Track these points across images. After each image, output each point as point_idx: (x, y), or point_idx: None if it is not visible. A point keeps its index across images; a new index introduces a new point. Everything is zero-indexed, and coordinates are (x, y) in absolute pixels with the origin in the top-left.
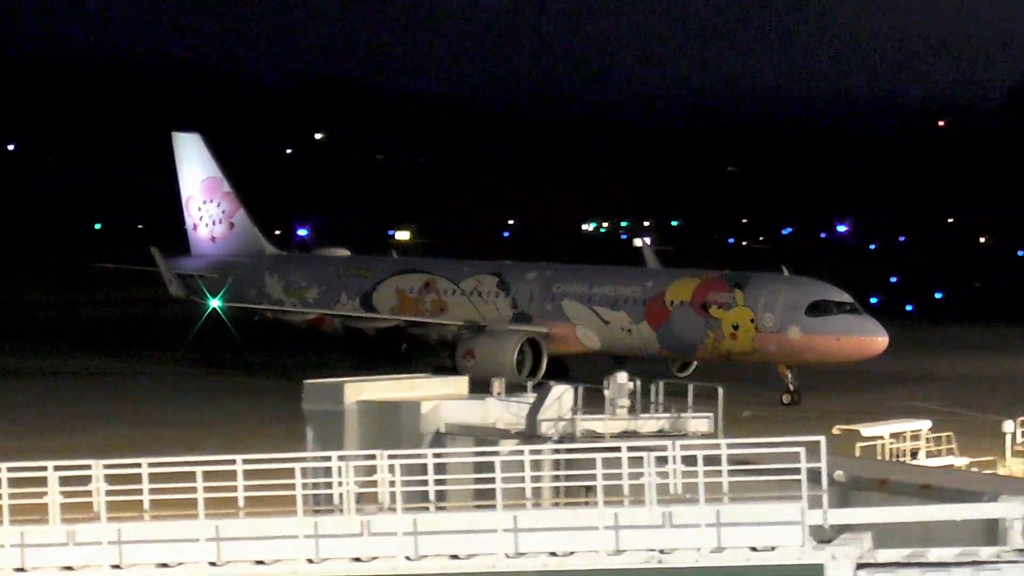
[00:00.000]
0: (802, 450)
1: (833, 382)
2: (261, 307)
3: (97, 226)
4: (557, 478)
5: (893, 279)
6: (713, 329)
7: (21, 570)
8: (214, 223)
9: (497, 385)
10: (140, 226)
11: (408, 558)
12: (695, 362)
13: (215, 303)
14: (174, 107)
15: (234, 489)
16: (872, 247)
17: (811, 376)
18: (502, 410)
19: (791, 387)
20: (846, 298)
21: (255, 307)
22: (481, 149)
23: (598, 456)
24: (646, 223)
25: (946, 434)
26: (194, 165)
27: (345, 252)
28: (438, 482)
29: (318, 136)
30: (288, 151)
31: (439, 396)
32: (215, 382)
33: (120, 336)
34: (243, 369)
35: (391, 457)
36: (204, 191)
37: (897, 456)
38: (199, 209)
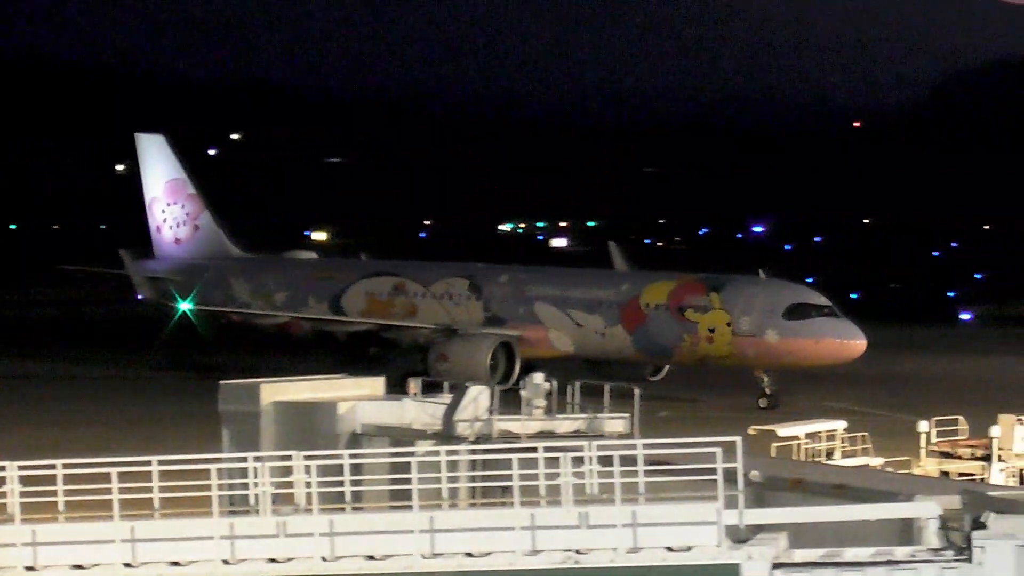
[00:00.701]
0: (718, 450)
1: (751, 382)
2: (232, 310)
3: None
4: (473, 479)
5: (809, 279)
6: (689, 333)
7: None
8: (178, 225)
9: (413, 385)
10: (103, 227)
11: (324, 559)
12: (667, 366)
13: (185, 306)
14: (96, 107)
15: (150, 490)
16: (788, 247)
17: (729, 376)
18: (418, 411)
19: (768, 391)
20: (824, 301)
21: (226, 311)
22: (398, 150)
23: (514, 457)
24: (563, 224)
25: (861, 434)
26: (158, 166)
27: (312, 255)
28: (354, 483)
29: (234, 136)
30: (211, 152)
31: (355, 397)
32: (176, 383)
33: (88, 338)
34: (213, 371)
35: (307, 458)
36: (168, 193)
37: (813, 456)
38: (163, 211)
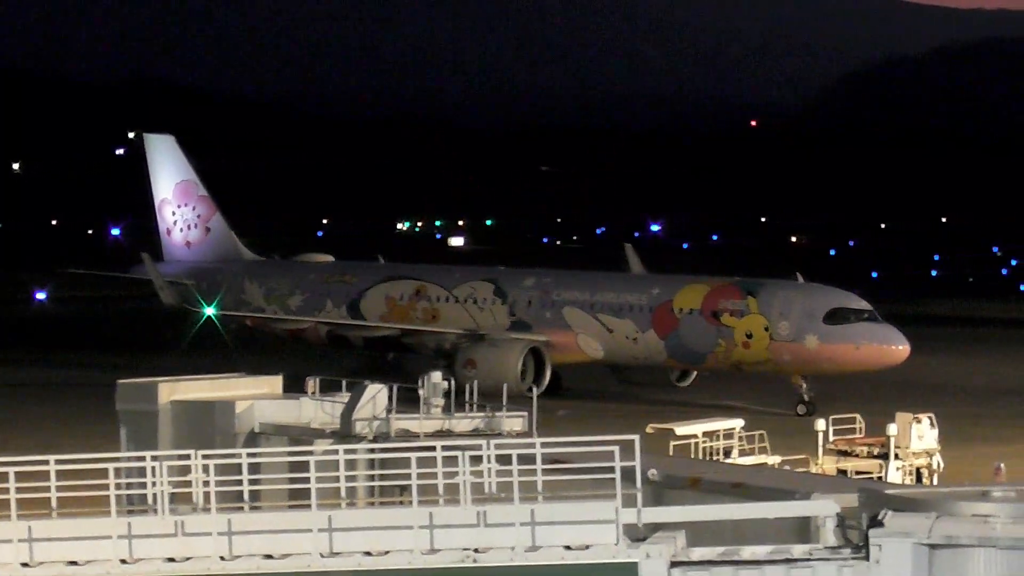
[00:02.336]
0: (616, 449)
1: (653, 381)
2: (257, 315)
3: None
4: (372, 477)
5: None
6: (725, 338)
7: None
8: (189, 228)
9: (311, 384)
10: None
11: (222, 558)
12: (695, 372)
13: (210, 311)
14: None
15: (47, 489)
16: (685, 246)
17: (627, 374)
18: (316, 409)
19: (806, 397)
20: (864, 305)
21: (251, 316)
22: (295, 150)
23: (413, 456)
24: (460, 222)
25: (759, 432)
26: (167, 168)
27: (328, 258)
28: (252, 482)
29: (131, 135)
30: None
31: (253, 396)
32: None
33: (99, 340)
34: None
35: (205, 457)
36: (178, 195)
37: (710, 455)
38: (173, 213)
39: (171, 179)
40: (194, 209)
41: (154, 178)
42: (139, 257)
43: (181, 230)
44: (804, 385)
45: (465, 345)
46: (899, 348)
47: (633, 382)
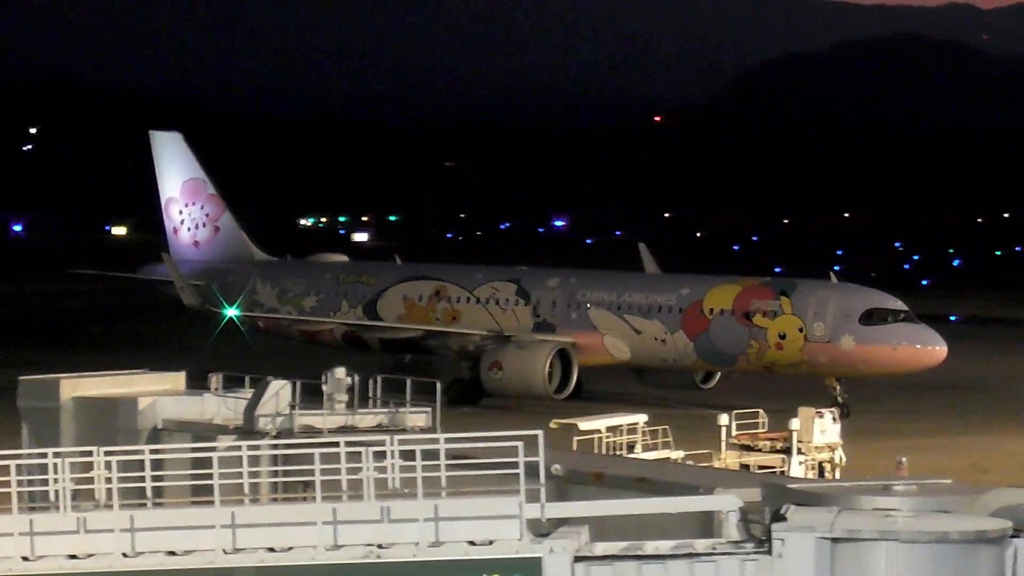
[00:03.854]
0: (520, 444)
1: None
2: (281, 317)
3: None
4: (275, 474)
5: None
6: (757, 339)
7: None
8: (197, 227)
9: (214, 380)
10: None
11: (125, 555)
12: (718, 374)
13: (232, 312)
14: None
15: None
16: (589, 241)
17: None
18: (220, 406)
19: (840, 399)
20: (901, 306)
21: (275, 317)
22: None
23: (316, 452)
24: (364, 218)
25: (662, 427)
26: (174, 165)
27: (343, 258)
28: (155, 478)
29: (32, 131)
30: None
31: (156, 392)
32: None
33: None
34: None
35: (108, 453)
36: (186, 193)
37: (614, 450)
38: (180, 212)
39: (178, 177)
40: (202, 208)
41: (160, 176)
42: (148, 258)
43: (189, 229)
44: (838, 387)
45: (491, 347)
46: (937, 349)
47: (654, 384)
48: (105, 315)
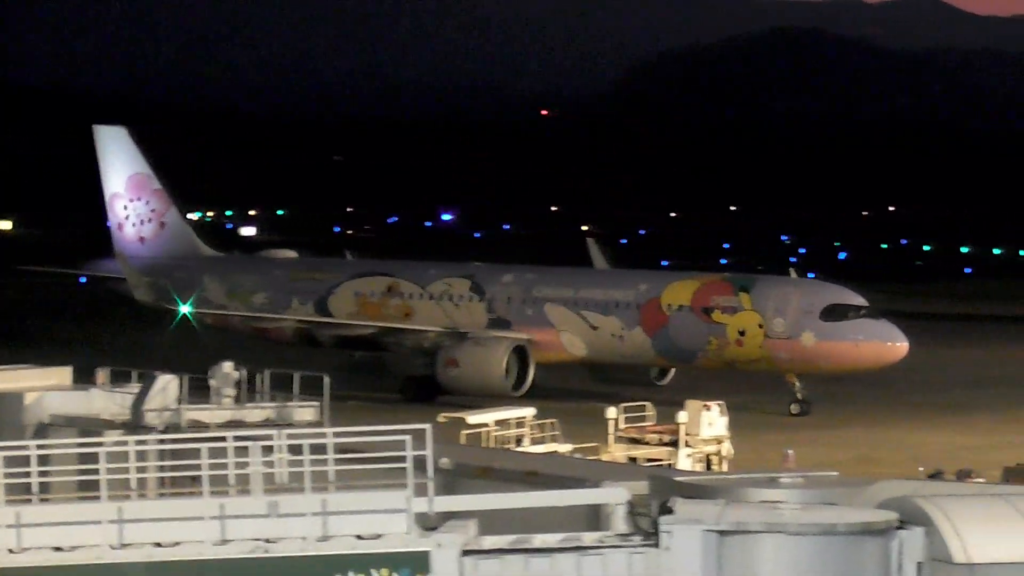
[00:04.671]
0: (408, 438)
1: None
2: (236, 314)
3: None
4: (163, 468)
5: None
6: (717, 335)
7: None
8: (142, 222)
9: (101, 375)
10: None
11: (11, 551)
12: (672, 370)
13: (185, 309)
14: None
15: None
16: (477, 235)
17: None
18: (107, 400)
19: (799, 396)
20: (862, 301)
21: (231, 314)
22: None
23: (203, 446)
24: (252, 212)
25: (550, 421)
26: (119, 160)
27: (292, 254)
28: (42, 474)
29: None
30: None
31: (42, 387)
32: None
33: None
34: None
35: None
36: (130, 188)
37: (502, 443)
38: (125, 208)
39: (123, 172)
40: (148, 203)
41: (104, 171)
42: (92, 254)
43: (134, 225)
44: (798, 384)
45: (447, 344)
46: (899, 345)
47: (608, 380)
48: (40, 311)
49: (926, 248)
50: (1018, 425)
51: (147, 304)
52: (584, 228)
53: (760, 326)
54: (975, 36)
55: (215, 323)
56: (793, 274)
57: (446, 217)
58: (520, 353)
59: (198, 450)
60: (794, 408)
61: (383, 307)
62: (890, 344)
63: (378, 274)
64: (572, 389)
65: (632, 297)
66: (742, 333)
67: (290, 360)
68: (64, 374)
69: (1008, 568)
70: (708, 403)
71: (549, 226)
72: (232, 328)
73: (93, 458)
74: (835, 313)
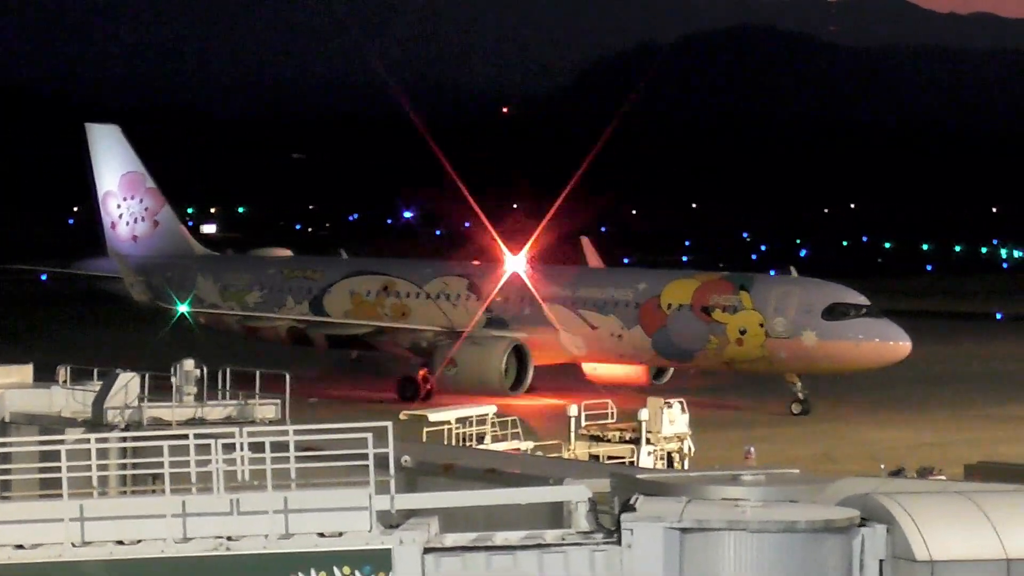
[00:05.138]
0: (369, 436)
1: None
2: (233, 313)
3: None
4: (124, 466)
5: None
6: (717, 334)
7: None
8: (136, 221)
9: (62, 373)
10: None
11: None
12: (672, 369)
13: (183, 308)
14: None
15: None
16: (438, 233)
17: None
18: (68, 398)
19: (800, 395)
20: (863, 300)
21: (227, 313)
22: (37, 137)
23: (165, 444)
24: (212, 209)
25: (511, 419)
26: (112, 159)
27: (287, 252)
28: (3, 472)
29: None
30: None
31: (2, 385)
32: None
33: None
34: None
35: None
36: (124, 187)
37: (464, 441)
38: (118, 206)
39: (116, 171)
40: (141, 202)
41: (97, 170)
42: (81, 253)
43: (127, 223)
44: (799, 383)
45: (445, 343)
46: (901, 344)
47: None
48: (20, 309)
49: (887, 245)
50: (979, 422)
51: (144, 304)
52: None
53: (761, 325)
54: (934, 33)
55: (209, 322)
56: (794, 273)
57: (407, 215)
58: (518, 353)
59: (159, 448)
60: (795, 408)
61: (378, 306)
62: (892, 343)
63: (373, 273)
64: (569, 388)
65: (631, 296)
66: (743, 332)
67: (283, 359)
68: (25, 372)
69: (969, 565)
70: (669, 400)
71: (511, 222)
72: (226, 327)
73: (54, 456)
74: (836, 312)
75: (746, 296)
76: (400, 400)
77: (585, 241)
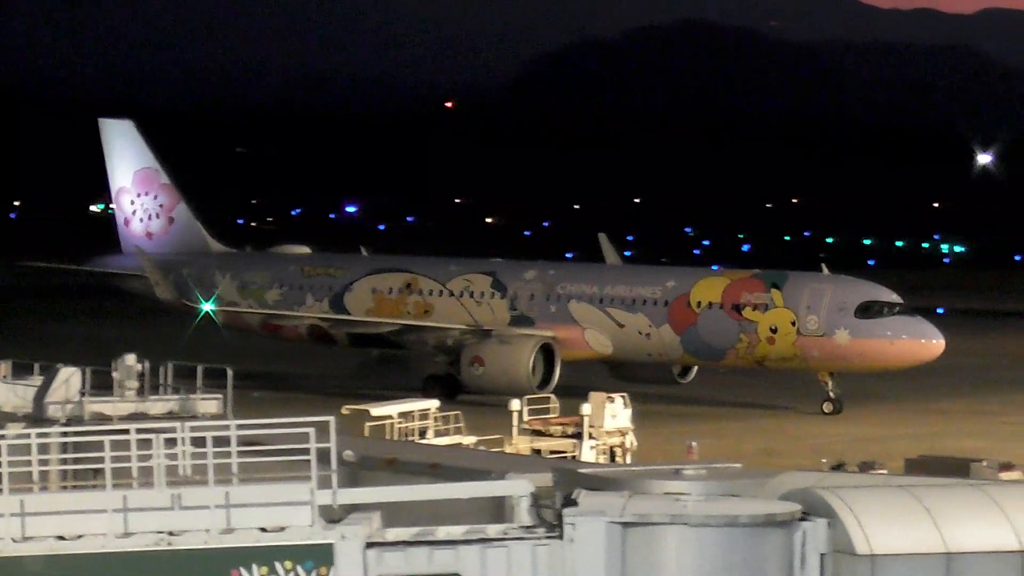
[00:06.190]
0: (311, 430)
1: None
2: (257, 311)
3: None
4: (65, 461)
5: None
6: (748, 333)
7: None
8: (150, 217)
9: (3, 368)
10: None
11: None
12: (695, 368)
13: (208, 306)
14: None
15: None
16: (381, 227)
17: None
18: (8, 393)
19: (832, 395)
20: (896, 298)
21: (252, 312)
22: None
23: (106, 439)
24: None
25: (454, 413)
26: (126, 154)
27: (305, 249)
28: None
29: None
30: None
31: None
32: None
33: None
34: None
35: None
36: (138, 183)
37: (406, 435)
38: (132, 203)
39: (130, 166)
40: (156, 198)
41: (110, 165)
42: (95, 250)
43: (141, 220)
44: (831, 382)
45: (471, 342)
46: (935, 342)
47: (628, 377)
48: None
49: (829, 240)
50: (920, 416)
51: (168, 302)
52: (488, 220)
53: (793, 323)
54: (877, 28)
55: (227, 321)
56: (825, 270)
57: (350, 209)
58: (546, 351)
59: (101, 443)
60: (827, 407)
61: (401, 304)
62: (925, 341)
63: (396, 270)
64: (592, 387)
65: (660, 294)
66: (774, 330)
67: (304, 357)
68: None
69: (909, 559)
70: (612, 395)
71: (454, 218)
72: (245, 326)
73: None
74: (870, 310)
75: (777, 294)
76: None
77: (603, 238)
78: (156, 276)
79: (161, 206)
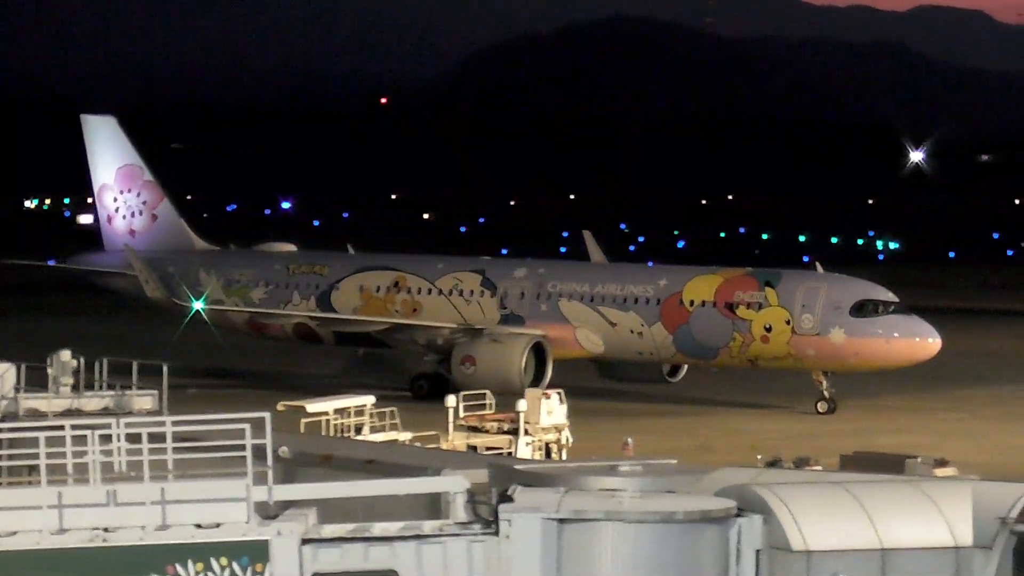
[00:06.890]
0: (247, 427)
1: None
2: (249, 310)
3: None
4: None
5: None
6: (741, 331)
7: None
8: (133, 215)
9: None
10: None
11: None
12: (685, 367)
13: (198, 305)
14: None
15: None
16: (316, 223)
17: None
18: None
19: (826, 394)
20: (892, 297)
21: (244, 311)
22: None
23: (41, 435)
24: (90, 200)
25: (390, 409)
26: (108, 151)
27: (291, 247)
28: None
29: None
30: None
31: None
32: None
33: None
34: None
35: None
36: (120, 180)
37: (342, 432)
38: (115, 200)
39: (112, 163)
40: (139, 195)
41: (93, 162)
42: (73, 249)
43: (124, 217)
44: (825, 381)
45: (462, 340)
46: (931, 341)
47: (616, 376)
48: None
49: (764, 236)
50: (855, 412)
51: (158, 300)
52: (425, 216)
53: (787, 322)
54: (813, 25)
55: (212, 319)
56: (820, 269)
57: (285, 205)
58: (537, 350)
59: (35, 439)
60: (821, 406)
61: (389, 303)
62: (921, 340)
63: (383, 268)
64: (581, 386)
65: (652, 292)
66: (768, 329)
67: (291, 356)
68: None
69: (844, 555)
70: (547, 391)
71: (390, 213)
72: (230, 324)
73: None
74: (865, 309)
75: (772, 292)
76: (414, 398)
77: (587, 235)
78: (147, 275)
79: (144, 203)
